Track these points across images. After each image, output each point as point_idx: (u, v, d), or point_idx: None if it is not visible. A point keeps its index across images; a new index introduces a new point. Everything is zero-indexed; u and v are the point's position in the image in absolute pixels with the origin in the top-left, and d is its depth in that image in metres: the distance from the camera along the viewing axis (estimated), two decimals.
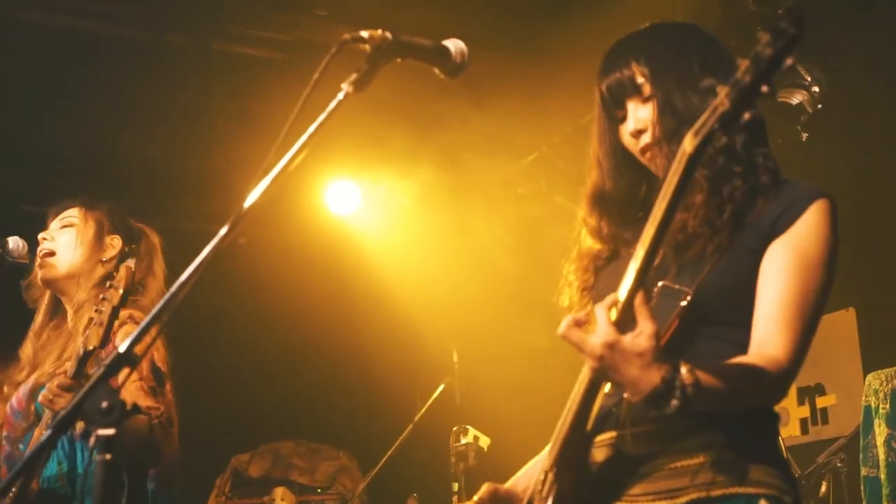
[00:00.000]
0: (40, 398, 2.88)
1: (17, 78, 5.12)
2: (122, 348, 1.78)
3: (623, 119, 2.20)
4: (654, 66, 2.15)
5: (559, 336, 1.87)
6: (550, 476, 2.02)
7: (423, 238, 6.21)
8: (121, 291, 2.71)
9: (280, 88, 4.82)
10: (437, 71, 2.02)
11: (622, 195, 2.25)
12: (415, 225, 6.25)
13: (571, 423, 1.96)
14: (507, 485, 2.29)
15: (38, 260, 3.26)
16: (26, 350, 3.32)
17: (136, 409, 1.81)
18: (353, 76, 1.86)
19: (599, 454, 2.05)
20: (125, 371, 1.82)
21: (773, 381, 1.96)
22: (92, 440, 1.75)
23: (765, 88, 1.68)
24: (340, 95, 1.85)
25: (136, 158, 5.79)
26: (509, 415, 5.53)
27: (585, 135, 5.32)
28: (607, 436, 2.05)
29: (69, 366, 2.85)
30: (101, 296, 2.76)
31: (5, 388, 3.29)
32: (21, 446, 3.17)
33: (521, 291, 5.86)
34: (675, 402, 1.79)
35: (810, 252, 2.03)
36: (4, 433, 3.24)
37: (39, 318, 3.35)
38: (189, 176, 6.06)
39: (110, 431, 1.74)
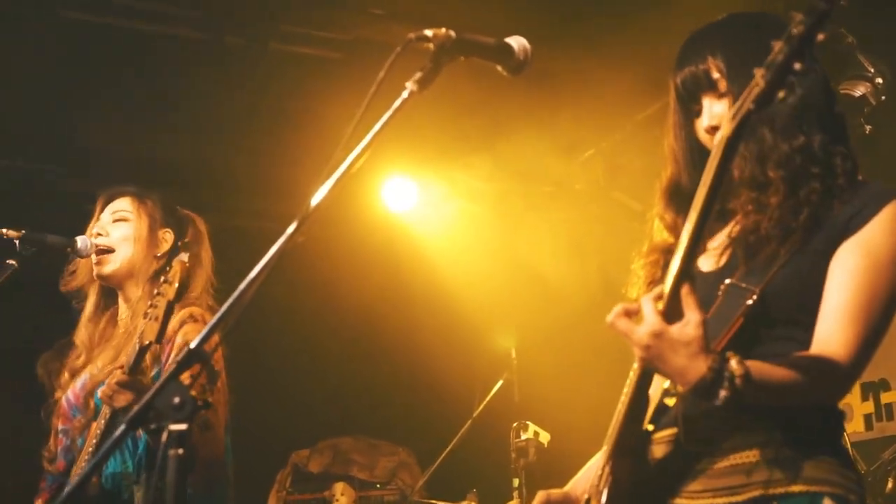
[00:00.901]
0: (100, 394, 2.89)
1: (75, 78, 5.19)
2: (192, 344, 1.81)
3: (698, 113, 2.18)
4: (731, 62, 2.12)
5: (608, 325, 1.89)
6: (607, 469, 2.02)
7: (480, 234, 6.21)
8: (175, 286, 2.73)
9: (336, 88, 4.85)
10: (499, 68, 2.03)
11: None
12: (472, 221, 6.25)
13: (625, 414, 1.97)
14: (566, 488, 2.29)
15: (95, 257, 3.28)
16: (81, 336, 3.34)
17: (206, 404, 1.83)
18: (418, 75, 1.88)
19: (658, 450, 2.05)
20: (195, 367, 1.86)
21: (832, 380, 1.94)
22: (164, 436, 1.78)
23: (798, 66, 1.68)
24: (405, 94, 1.87)
25: (193, 157, 5.85)
26: (569, 410, 5.51)
27: (644, 131, 5.31)
28: (667, 433, 2.04)
29: (125, 361, 2.87)
30: (155, 291, 2.77)
31: (65, 374, 3.32)
32: (80, 441, 3.21)
33: (579, 287, 5.84)
34: (723, 393, 1.79)
35: (881, 253, 2.00)
36: (62, 426, 3.28)
37: (90, 306, 3.36)
38: (244, 174, 6.12)
39: (182, 427, 1.78)
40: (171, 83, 5.31)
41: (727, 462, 1.98)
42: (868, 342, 1.96)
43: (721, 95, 2.14)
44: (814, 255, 2.01)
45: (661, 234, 2.28)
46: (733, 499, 1.95)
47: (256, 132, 5.71)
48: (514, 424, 5.05)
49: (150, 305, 2.78)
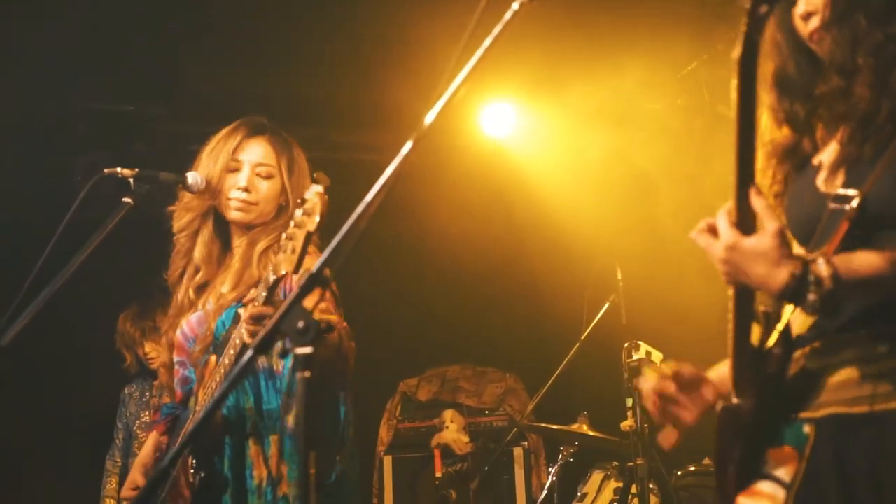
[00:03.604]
0: (245, 330, 2.86)
1: (171, 21, 5.24)
2: (314, 269, 1.82)
3: (795, 1, 2.13)
4: None
5: (692, 239, 1.90)
6: (733, 393, 2.01)
7: (582, 156, 6.13)
8: (316, 219, 2.67)
9: (434, 12, 4.79)
10: None
11: (806, 77, 2.17)
12: (573, 143, 6.16)
13: (735, 340, 1.93)
14: (707, 373, 2.21)
15: (237, 203, 3.30)
16: (200, 253, 3.35)
17: (329, 327, 1.84)
18: None
19: (791, 367, 2.02)
20: (316, 292, 1.87)
21: None
22: (291, 360, 1.81)
23: None
24: (515, 6, 1.83)
25: (294, 93, 5.87)
26: (677, 331, 5.45)
27: None
28: (805, 349, 2.01)
29: (257, 294, 2.87)
30: (292, 222, 2.77)
31: (190, 292, 3.34)
32: (191, 372, 3.28)
33: (682, 204, 5.74)
34: (811, 297, 1.78)
35: None
36: (177, 358, 3.34)
37: (207, 233, 3.37)
38: (346, 107, 6.13)
39: (308, 350, 1.80)
40: (266, 16, 5.32)
41: (880, 367, 1.92)
42: None
43: None
44: None
45: (774, 132, 2.22)
46: (851, 409, 1.93)
47: (354, 63, 5.70)
48: (626, 345, 5.01)
49: (287, 237, 2.78)
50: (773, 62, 2.22)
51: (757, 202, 1.81)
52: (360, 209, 1.81)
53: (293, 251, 2.69)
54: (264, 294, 2.82)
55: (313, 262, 1.84)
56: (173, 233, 3.41)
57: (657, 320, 5.53)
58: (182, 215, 3.37)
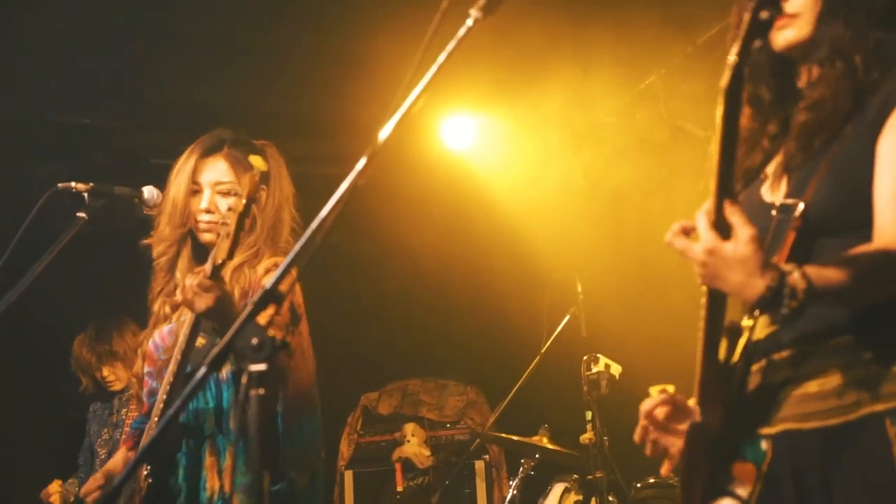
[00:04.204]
0: (179, 295, 2.88)
1: (129, 32, 5.20)
2: (268, 285, 1.81)
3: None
4: None
5: (666, 244, 1.86)
6: (697, 410, 1.99)
7: (542, 169, 6.15)
8: (244, 200, 2.70)
9: (392, 25, 4.80)
10: None
11: (777, 95, 2.17)
12: (532, 156, 6.19)
13: (704, 350, 1.91)
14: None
15: (204, 225, 3.24)
16: (182, 272, 3.29)
17: (284, 344, 1.83)
18: (481, 1, 1.83)
19: (753, 381, 2.02)
20: (271, 308, 1.86)
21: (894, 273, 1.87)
22: (244, 377, 1.79)
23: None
24: (469, 22, 1.83)
25: (253, 104, 5.86)
26: (637, 342, 5.48)
27: (706, 54, 5.17)
28: (762, 363, 2.02)
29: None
30: (227, 208, 2.75)
31: (166, 307, 3.31)
32: (157, 382, 3.25)
33: (642, 217, 5.77)
34: (785, 310, 1.78)
35: None
36: (147, 369, 3.31)
37: (187, 256, 3.33)
38: (305, 120, 6.11)
39: (262, 367, 1.79)
40: (227, 29, 5.30)
41: (833, 383, 1.93)
42: None
43: None
44: (856, 150, 1.95)
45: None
46: (844, 419, 1.92)
47: (314, 76, 5.69)
48: (585, 357, 5.04)
49: (222, 223, 2.76)
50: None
51: (731, 207, 1.79)
52: (314, 225, 1.80)
53: (227, 236, 2.69)
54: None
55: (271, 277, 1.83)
56: (153, 259, 3.38)
57: (617, 331, 5.56)
58: (158, 244, 3.34)
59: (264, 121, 5.90)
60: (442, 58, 1.82)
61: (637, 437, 2.14)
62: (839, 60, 2.01)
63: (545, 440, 5.27)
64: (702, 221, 1.81)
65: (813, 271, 1.80)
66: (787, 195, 2.02)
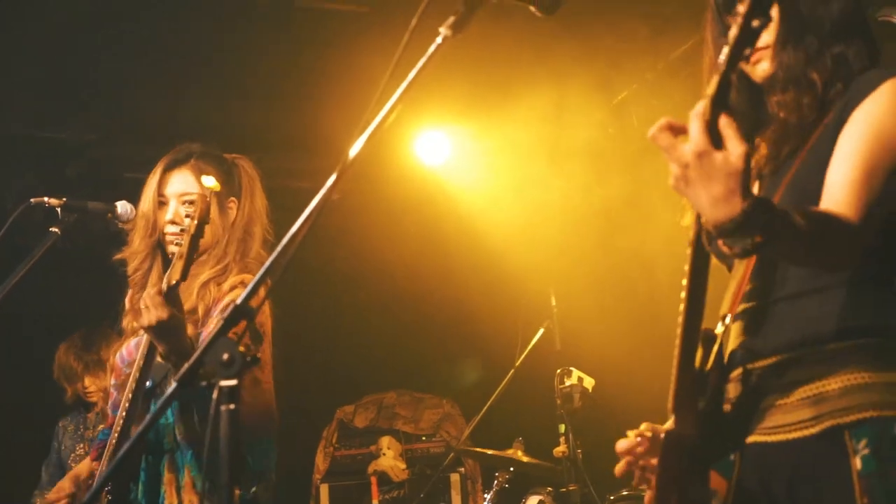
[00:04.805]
0: (128, 301, 2.88)
1: (104, 46, 5.20)
2: (238, 300, 1.82)
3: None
4: None
5: (649, 138, 1.74)
6: (672, 418, 1.99)
7: (516, 183, 6.18)
8: (196, 222, 2.70)
9: (366, 42, 4.81)
10: (532, 9, 2.00)
11: (741, 104, 2.19)
12: (506, 170, 6.22)
13: (680, 357, 1.91)
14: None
15: (171, 237, 3.23)
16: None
17: (255, 360, 1.84)
18: (451, 19, 1.86)
19: (726, 391, 2.03)
20: (242, 324, 1.87)
21: (843, 236, 1.88)
22: (215, 392, 1.80)
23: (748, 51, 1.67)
24: (439, 39, 1.85)
25: (223, 119, 5.86)
26: (611, 356, 5.51)
27: (677, 70, 5.20)
28: (735, 373, 2.03)
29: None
30: (179, 228, 2.75)
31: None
32: (121, 394, 3.24)
33: (616, 231, 5.81)
34: (748, 242, 1.73)
35: (882, 121, 1.96)
36: (113, 381, 3.31)
37: (157, 271, 3.32)
38: (276, 134, 6.12)
39: (232, 382, 1.79)
40: (201, 45, 5.31)
41: (796, 396, 1.96)
42: (874, 203, 1.91)
43: None
44: (821, 158, 1.99)
45: None
46: (806, 432, 1.94)
47: (286, 91, 5.71)
48: (558, 371, 5.06)
49: (175, 243, 2.75)
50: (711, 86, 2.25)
51: (725, 118, 1.69)
52: (285, 240, 1.82)
53: (181, 257, 2.69)
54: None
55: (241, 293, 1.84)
56: (128, 275, 3.37)
57: (592, 345, 5.59)
58: (132, 258, 3.35)
59: (239, 134, 5.90)
60: (412, 75, 1.84)
61: (619, 472, 2.12)
62: (794, 85, 2.05)
63: (519, 453, 5.28)
64: (696, 123, 1.68)
65: (782, 212, 1.76)
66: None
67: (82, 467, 3.53)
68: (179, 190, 3.31)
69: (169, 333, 2.80)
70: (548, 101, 5.57)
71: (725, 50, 1.69)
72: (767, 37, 2.10)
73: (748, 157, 1.68)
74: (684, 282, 1.88)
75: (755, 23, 1.66)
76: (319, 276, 6.49)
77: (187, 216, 2.84)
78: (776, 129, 2.08)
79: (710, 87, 1.67)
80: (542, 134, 5.90)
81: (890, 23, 4.36)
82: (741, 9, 1.68)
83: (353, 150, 1.85)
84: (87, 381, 5.33)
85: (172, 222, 3.27)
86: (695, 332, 1.90)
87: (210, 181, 3.02)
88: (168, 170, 3.33)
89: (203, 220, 2.79)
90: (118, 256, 3.36)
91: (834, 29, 2.07)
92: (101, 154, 6.10)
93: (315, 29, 5.33)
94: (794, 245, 1.84)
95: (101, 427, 3.46)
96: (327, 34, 5.34)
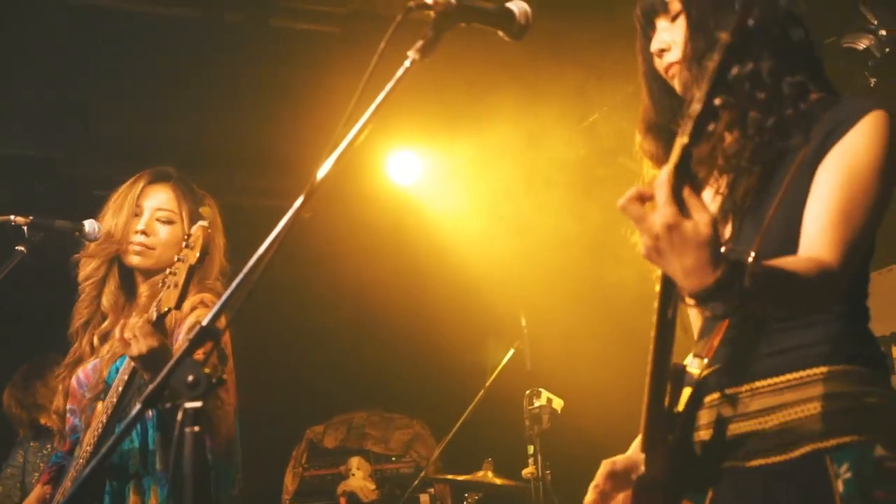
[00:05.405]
0: (118, 333, 2.82)
1: (80, 65, 5.19)
2: (204, 322, 1.81)
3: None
4: None
5: (618, 208, 1.71)
6: (642, 458, 1.97)
7: (487, 204, 6.20)
8: (197, 253, 2.68)
9: (336, 63, 4.82)
10: (501, 34, 2.01)
11: (668, 119, 2.20)
12: (477, 191, 6.24)
13: (649, 395, 1.89)
14: (630, 451, 2.21)
15: (136, 247, 3.26)
16: (108, 300, 3.29)
17: (220, 381, 1.83)
18: (419, 43, 1.86)
19: (704, 416, 2.03)
20: (208, 345, 1.86)
21: (821, 281, 1.87)
22: (180, 413, 1.78)
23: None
24: (407, 63, 1.86)
25: (193, 136, 5.86)
26: (580, 377, 5.53)
27: None
28: (710, 398, 2.03)
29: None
30: (175, 257, 2.74)
31: (94, 339, 3.29)
32: (79, 420, 3.22)
33: (586, 252, 5.83)
34: (726, 307, 1.75)
35: (861, 161, 1.95)
36: (69, 406, 3.27)
37: (114, 282, 3.32)
38: (245, 153, 6.12)
39: (197, 404, 1.78)
40: (171, 62, 5.30)
41: (775, 421, 1.95)
42: (853, 247, 1.91)
43: (674, 18, 2.14)
44: (800, 193, 1.98)
45: (650, 171, 2.26)
46: (785, 457, 1.94)
47: (258, 110, 5.71)
48: (527, 392, 5.06)
49: (170, 272, 2.74)
50: (643, 102, 2.26)
51: (686, 193, 1.67)
52: (251, 262, 1.81)
53: (176, 286, 2.67)
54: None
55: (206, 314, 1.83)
56: (78, 281, 3.34)
57: (561, 366, 5.59)
58: (87, 263, 3.32)
59: (210, 152, 5.91)
60: (380, 98, 1.85)
61: None
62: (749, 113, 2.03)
63: (489, 474, 5.28)
64: (662, 192, 1.65)
65: (759, 269, 1.75)
66: (734, 239, 2.02)
67: (31, 499, 3.46)
68: (156, 204, 3.33)
69: (157, 362, 2.76)
70: (518, 122, 5.60)
71: (689, 123, 1.66)
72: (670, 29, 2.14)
73: (715, 223, 1.68)
74: (654, 319, 1.85)
75: (717, 101, 1.65)
76: (289, 296, 6.46)
77: (186, 246, 2.81)
78: (730, 175, 2.06)
79: (673, 157, 1.66)
80: (512, 154, 5.93)
81: (854, 49, 4.41)
82: (703, 87, 1.65)
83: (322, 171, 1.85)
84: (43, 419, 5.26)
85: (143, 233, 3.27)
86: (664, 368, 1.88)
87: (207, 212, 3.00)
88: (150, 183, 3.35)
89: (204, 252, 2.77)
90: (76, 257, 3.34)
91: (782, 54, 2.05)
92: (70, 172, 6.07)
93: (288, 48, 5.34)
94: (773, 301, 1.84)
95: (52, 449, 3.41)
96: (300, 54, 5.36)
